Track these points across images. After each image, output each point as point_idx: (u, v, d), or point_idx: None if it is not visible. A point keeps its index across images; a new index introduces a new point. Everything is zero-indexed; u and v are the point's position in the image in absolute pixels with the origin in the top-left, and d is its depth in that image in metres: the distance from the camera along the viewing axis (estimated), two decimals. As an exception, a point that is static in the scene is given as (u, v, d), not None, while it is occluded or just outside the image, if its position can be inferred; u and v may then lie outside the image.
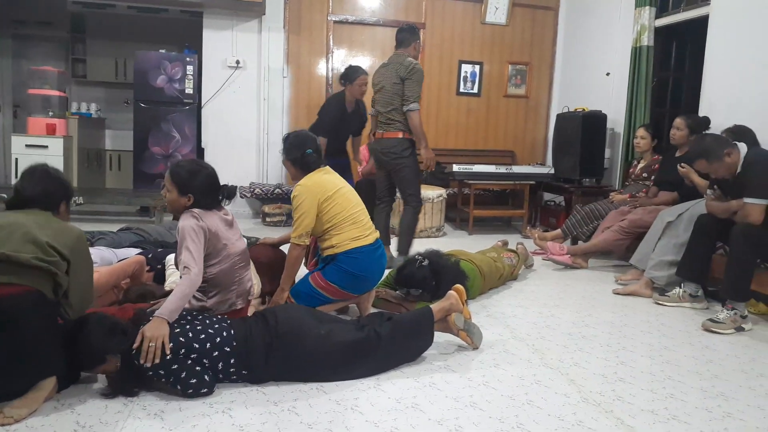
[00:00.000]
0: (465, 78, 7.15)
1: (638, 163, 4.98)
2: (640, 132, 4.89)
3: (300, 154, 2.95)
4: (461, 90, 7.14)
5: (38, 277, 1.97)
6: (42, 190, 2.23)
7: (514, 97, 7.27)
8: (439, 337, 2.68)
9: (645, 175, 4.81)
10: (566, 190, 5.86)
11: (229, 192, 2.60)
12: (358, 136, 5.27)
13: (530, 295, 3.79)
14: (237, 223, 2.68)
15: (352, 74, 4.84)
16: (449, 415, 2.10)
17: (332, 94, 5.19)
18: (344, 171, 4.57)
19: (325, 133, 4.70)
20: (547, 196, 6.77)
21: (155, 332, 2.09)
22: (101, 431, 1.89)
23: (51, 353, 2.01)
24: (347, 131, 5.10)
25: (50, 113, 6.35)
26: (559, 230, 4.98)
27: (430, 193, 5.70)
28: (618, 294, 3.88)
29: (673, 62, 5.85)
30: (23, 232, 2.01)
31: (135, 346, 2.07)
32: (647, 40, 5.45)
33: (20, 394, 1.97)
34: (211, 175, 2.53)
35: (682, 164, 3.87)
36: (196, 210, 2.43)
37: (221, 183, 2.57)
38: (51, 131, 6.14)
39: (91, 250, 2.77)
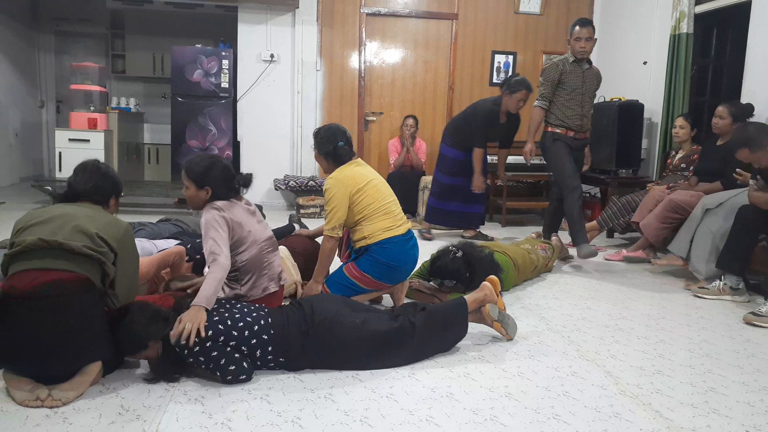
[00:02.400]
0: (498, 68, 7.08)
1: (676, 153, 4.87)
2: (679, 121, 4.78)
3: (332, 147, 2.98)
4: (494, 81, 7.08)
5: (88, 265, 2.05)
6: (93, 185, 2.32)
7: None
8: (473, 328, 2.68)
9: (684, 165, 4.71)
10: (602, 181, 5.76)
11: (245, 180, 2.65)
12: (507, 148, 5.10)
13: (565, 287, 3.76)
14: (259, 213, 2.74)
15: (515, 86, 4.63)
16: (484, 405, 2.10)
17: (481, 101, 4.98)
18: (467, 165, 4.87)
19: (479, 144, 4.76)
20: (583, 187, 6.65)
21: (192, 319, 2.15)
22: (145, 414, 1.96)
23: (97, 338, 2.08)
24: (491, 139, 4.95)
25: (91, 108, 6.53)
26: (594, 222, 4.91)
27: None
28: (655, 265, 4.07)
29: (713, 49, 5.69)
30: (74, 224, 2.09)
31: (173, 333, 2.12)
32: (686, 27, 5.30)
33: (67, 378, 2.04)
34: (225, 166, 2.59)
35: (739, 171, 3.73)
36: (217, 202, 2.50)
37: (238, 173, 2.63)
38: (92, 126, 6.31)
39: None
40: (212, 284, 2.27)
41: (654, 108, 5.82)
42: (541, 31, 7.07)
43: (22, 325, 1.94)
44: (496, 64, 7.06)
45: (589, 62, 4.37)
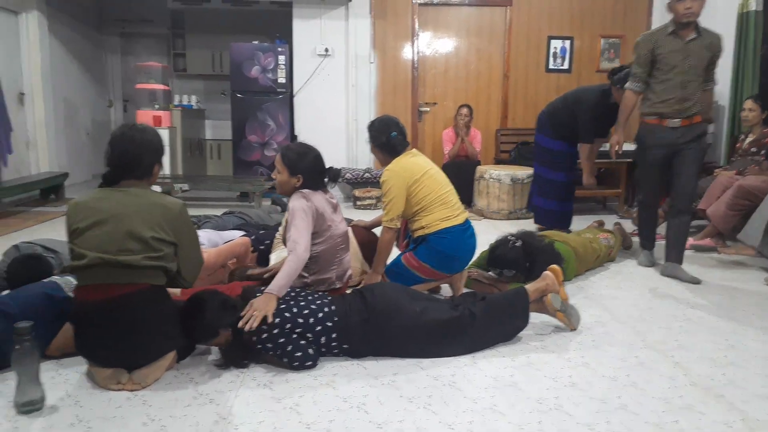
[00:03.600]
0: (554, 54, 6.93)
1: (746, 137, 4.66)
2: (748, 104, 4.57)
3: (385, 138, 3.00)
4: (551, 67, 6.94)
5: (149, 272, 2.08)
6: (134, 157, 2.14)
7: (608, 71, 6.94)
8: (534, 318, 2.66)
9: (754, 149, 4.50)
10: (666, 167, 5.55)
11: (334, 174, 2.72)
12: (603, 137, 4.59)
13: (629, 276, 3.67)
14: (340, 208, 2.79)
15: (626, 80, 4.02)
16: (548, 395, 2.09)
17: (585, 89, 4.53)
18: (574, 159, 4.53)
19: (585, 139, 4.38)
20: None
21: (262, 306, 2.23)
22: (217, 399, 2.05)
23: (169, 333, 2.17)
24: (600, 134, 4.53)
25: (156, 106, 6.79)
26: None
27: (520, 173, 5.61)
28: (724, 253, 3.92)
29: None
30: (127, 228, 2.04)
31: (241, 325, 2.20)
32: (755, 4, 5.05)
33: (145, 365, 2.15)
34: (318, 156, 2.66)
35: None
36: (305, 191, 2.57)
37: (326, 165, 2.69)
38: (157, 123, 6.57)
39: (199, 232, 2.96)
40: (287, 274, 2.35)
41: (721, 90, 5.57)
42: (598, 14, 6.86)
43: (99, 329, 2.05)
44: (552, 50, 6.92)
45: (698, 30, 3.48)
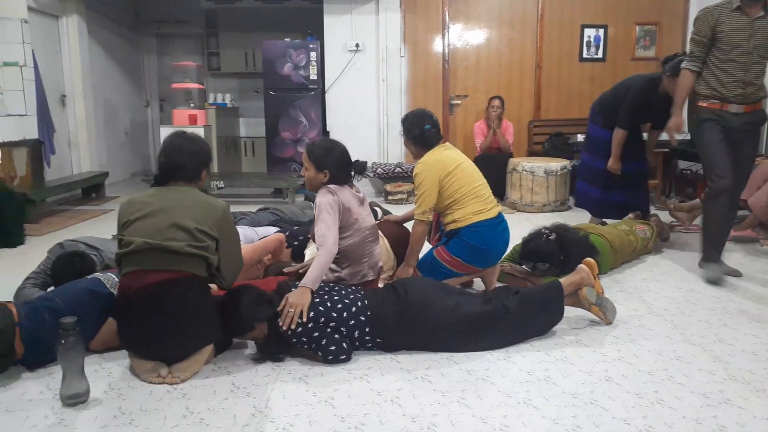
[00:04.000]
0: (588, 43, 6.80)
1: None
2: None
3: (419, 131, 3.00)
4: (584, 56, 6.81)
5: (192, 262, 2.16)
6: (182, 163, 2.30)
7: (643, 60, 6.80)
8: (569, 311, 2.64)
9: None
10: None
11: (360, 167, 2.74)
12: (659, 129, 4.34)
13: (666, 268, 3.60)
14: (367, 201, 2.81)
15: (678, 68, 3.75)
16: (583, 389, 2.08)
17: (635, 77, 4.30)
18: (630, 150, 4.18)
19: (624, 125, 4.12)
20: (683, 164, 6.30)
21: (297, 299, 2.27)
22: (254, 392, 2.09)
23: (208, 325, 2.24)
24: (644, 121, 4.32)
25: (191, 105, 6.92)
26: (697, 200, 4.64)
27: (553, 165, 5.53)
28: (766, 245, 3.76)
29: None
30: (173, 221, 2.15)
31: (279, 309, 2.26)
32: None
33: (184, 358, 2.21)
34: (344, 151, 2.68)
35: None
36: (332, 186, 2.60)
37: (352, 159, 2.71)
38: (193, 121, 6.69)
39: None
40: (319, 267, 2.39)
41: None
42: (633, 1, 6.70)
43: (141, 319, 2.13)
44: (585, 39, 6.79)
45: (767, 8, 3.15)
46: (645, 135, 4.45)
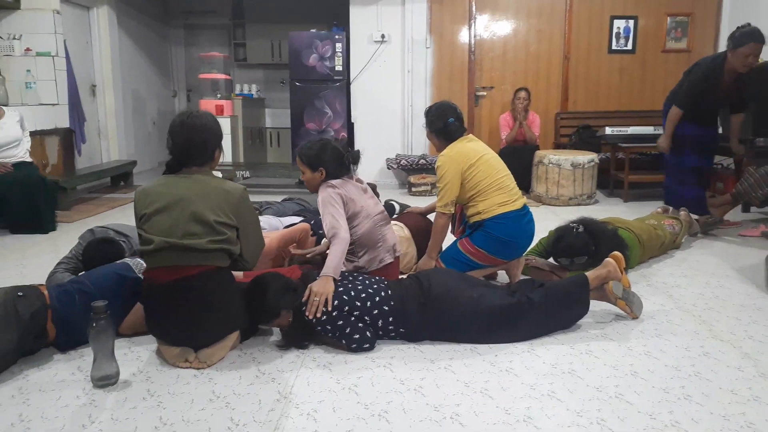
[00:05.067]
0: (618, 34, 6.69)
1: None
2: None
3: (442, 124, 2.99)
4: (613, 47, 6.70)
5: (213, 255, 2.15)
6: (195, 144, 2.21)
7: (674, 51, 6.67)
8: (595, 305, 2.61)
9: None
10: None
11: (354, 157, 2.75)
12: (737, 113, 4.35)
13: (695, 264, 3.54)
14: (370, 190, 2.84)
15: (740, 38, 3.81)
16: (608, 383, 2.06)
17: (703, 58, 4.26)
18: (705, 142, 4.17)
19: (681, 104, 4.11)
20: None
21: (321, 288, 2.29)
22: (279, 378, 2.12)
23: (233, 313, 2.26)
24: (713, 104, 4.21)
25: (218, 95, 6.99)
26: (728, 195, 4.53)
27: (580, 158, 5.46)
28: None
29: None
30: (191, 212, 2.11)
31: (304, 299, 2.28)
32: None
33: (211, 344, 2.24)
34: (333, 146, 2.70)
35: None
36: (332, 181, 2.62)
37: (347, 150, 2.73)
38: (219, 112, 6.76)
39: (260, 218, 3.05)
40: (337, 255, 2.40)
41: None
42: (665, -9, 6.57)
43: (167, 310, 2.16)
44: (615, 30, 6.68)
45: None
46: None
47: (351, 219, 2.62)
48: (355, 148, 2.81)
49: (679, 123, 4.21)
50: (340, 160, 2.70)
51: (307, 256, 3.00)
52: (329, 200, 2.56)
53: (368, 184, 2.88)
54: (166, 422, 1.83)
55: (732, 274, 3.33)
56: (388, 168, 6.62)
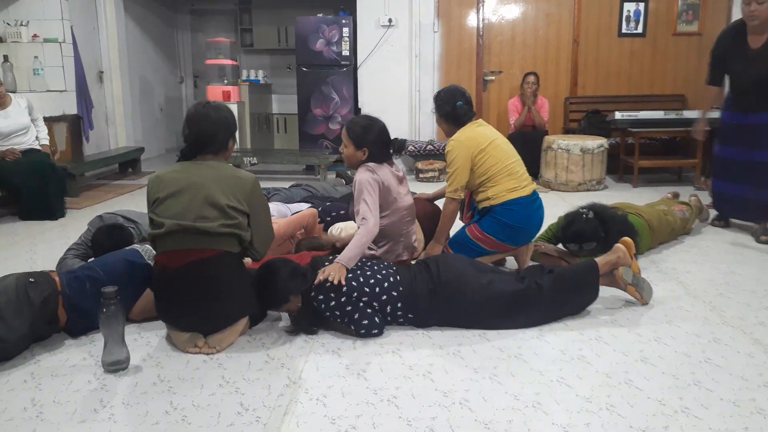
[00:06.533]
0: (628, 18, 6.59)
1: None
2: None
3: (451, 107, 2.96)
4: (623, 31, 6.61)
5: (224, 239, 2.17)
6: (209, 133, 2.24)
7: (685, 35, 6.57)
8: (604, 291, 2.60)
9: None
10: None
11: (399, 145, 2.72)
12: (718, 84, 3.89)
13: (705, 250, 3.51)
14: (407, 180, 2.80)
15: None
16: (618, 369, 2.05)
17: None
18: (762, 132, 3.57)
19: (710, 80, 3.76)
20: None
21: (335, 270, 2.29)
22: (288, 363, 2.13)
23: (243, 298, 2.27)
24: (749, 74, 3.56)
25: (225, 81, 6.96)
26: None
27: (590, 143, 5.42)
28: None
29: None
30: (204, 196, 2.14)
31: (316, 282, 2.27)
32: None
33: (220, 330, 2.25)
34: (383, 128, 2.67)
35: None
36: (371, 164, 2.59)
37: (390, 137, 2.70)
38: (226, 98, 6.74)
39: (269, 204, 3.05)
40: (357, 246, 2.39)
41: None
42: (677, -27, 6.47)
43: (177, 294, 2.17)
44: (625, 13, 6.58)
45: None
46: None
47: (382, 208, 2.60)
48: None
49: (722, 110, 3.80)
50: (386, 145, 2.68)
51: (338, 245, 2.88)
52: (367, 186, 2.52)
53: (396, 139, 2.79)
54: (176, 407, 1.84)
55: (743, 260, 3.31)
56: (402, 155, 6.58)
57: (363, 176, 2.54)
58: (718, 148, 3.91)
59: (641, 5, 6.55)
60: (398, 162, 6.77)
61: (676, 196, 4.19)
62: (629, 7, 6.57)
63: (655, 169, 5.95)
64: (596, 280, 2.51)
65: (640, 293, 2.59)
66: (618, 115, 5.73)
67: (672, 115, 5.53)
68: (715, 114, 4.08)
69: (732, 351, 2.18)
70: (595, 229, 2.96)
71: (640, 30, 6.61)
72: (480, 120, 3.04)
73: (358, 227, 2.46)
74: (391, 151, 2.72)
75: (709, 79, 3.85)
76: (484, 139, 2.90)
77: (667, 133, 5.87)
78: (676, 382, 1.96)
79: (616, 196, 5.12)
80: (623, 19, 6.59)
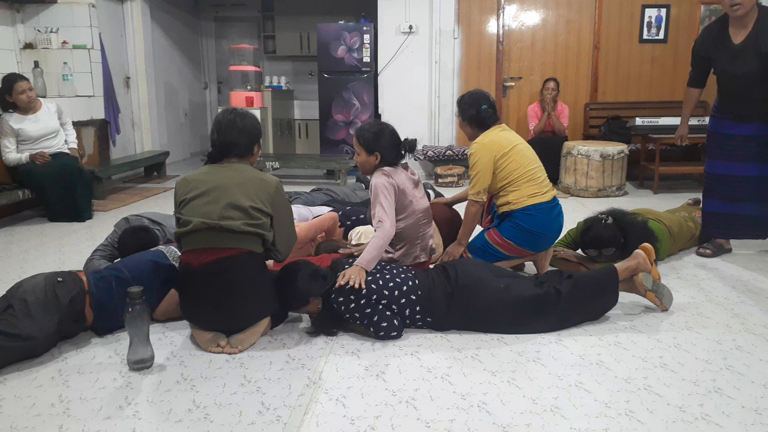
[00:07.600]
0: (649, 24, 6.56)
1: None
2: None
3: (475, 111, 2.98)
4: (644, 37, 6.57)
5: (248, 239, 2.22)
6: (235, 140, 2.33)
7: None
8: (624, 297, 2.60)
9: None
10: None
11: (410, 145, 2.75)
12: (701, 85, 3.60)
13: (726, 256, 3.47)
14: (422, 183, 2.83)
15: None
16: (637, 375, 2.05)
17: None
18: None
19: (691, 81, 3.56)
20: None
21: (355, 273, 2.32)
22: (308, 364, 2.16)
23: (264, 299, 2.31)
24: (736, 70, 3.29)
25: (248, 87, 7.05)
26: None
27: (610, 149, 5.39)
28: None
29: None
30: (229, 197, 2.21)
31: (336, 286, 2.31)
32: None
33: (242, 330, 2.30)
34: (392, 132, 2.70)
35: None
36: (386, 168, 2.63)
37: (401, 138, 2.72)
38: (249, 103, 6.82)
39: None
40: (375, 249, 2.42)
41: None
42: (700, -22, 6.42)
43: (201, 293, 2.22)
44: (646, 19, 6.55)
45: None
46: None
47: (398, 211, 2.63)
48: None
49: (712, 120, 3.52)
50: (397, 147, 2.71)
51: (356, 253, 2.84)
52: (383, 190, 2.56)
53: (406, 140, 2.76)
54: (198, 405, 1.88)
55: (765, 267, 3.27)
56: (415, 159, 6.62)
57: (378, 180, 2.58)
58: (709, 164, 3.54)
59: (663, 11, 6.51)
60: (414, 166, 6.81)
61: (696, 202, 4.15)
62: (651, 13, 6.53)
63: (676, 176, 5.89)
64: (616, 286, 2.51)
65: (660, 299, 2.58)
66: (638, 121, 5.69)
67: (694, 122, 5.46)
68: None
69: (754, 359, 2.17)
70: (614, 235, 2.95)
71: (661, 36, 6.57)
72: (503, 125, 3.05)
73: (375, 230, 2.49)
74: (403, 151, 2.74)
75: (691, 81, 3.59)
76: (507, 143, 2.92)
77: (688, 140, 5.78)
78: (696, 389, 1.95)
79: (636, 202, 5.09)
80: (644, 25, 6.56)
